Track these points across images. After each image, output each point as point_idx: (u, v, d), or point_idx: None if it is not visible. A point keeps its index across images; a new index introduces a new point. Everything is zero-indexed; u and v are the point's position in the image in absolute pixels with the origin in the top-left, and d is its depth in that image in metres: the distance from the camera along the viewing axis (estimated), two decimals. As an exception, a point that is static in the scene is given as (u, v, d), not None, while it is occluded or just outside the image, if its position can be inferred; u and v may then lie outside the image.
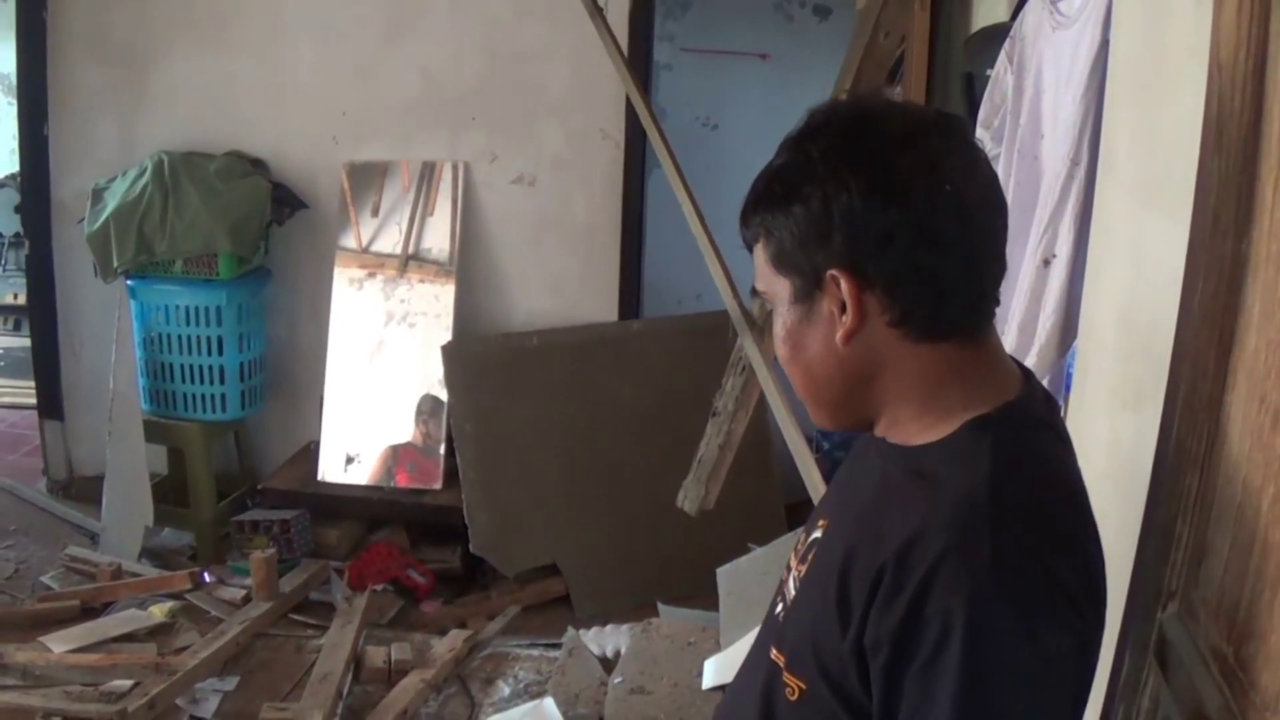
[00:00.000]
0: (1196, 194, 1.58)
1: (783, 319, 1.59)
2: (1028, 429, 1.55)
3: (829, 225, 1.50)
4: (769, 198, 1.56)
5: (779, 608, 1.74)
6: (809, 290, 1.55)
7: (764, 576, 4.33)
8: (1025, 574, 1.39)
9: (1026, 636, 1.36)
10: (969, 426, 1.52)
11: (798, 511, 5.33)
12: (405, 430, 5.70)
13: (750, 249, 1.62)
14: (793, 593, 1.70)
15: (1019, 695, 1.37)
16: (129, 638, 4.51)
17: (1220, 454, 1.46)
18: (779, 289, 1.58)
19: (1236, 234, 1.45)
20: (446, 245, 5.75)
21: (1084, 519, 1.49)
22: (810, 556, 1.69)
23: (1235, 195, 1.45)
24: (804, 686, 1.55)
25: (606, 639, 4.72)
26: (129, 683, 4.05)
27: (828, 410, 1.64)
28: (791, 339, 1.59)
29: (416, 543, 5.70)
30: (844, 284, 1.51)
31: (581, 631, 4.77)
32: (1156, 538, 1.59)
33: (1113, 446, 1.70)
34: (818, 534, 1.71)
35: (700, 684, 4.10)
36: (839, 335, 1.53)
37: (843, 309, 1.52)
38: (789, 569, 1.79)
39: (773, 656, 1.64)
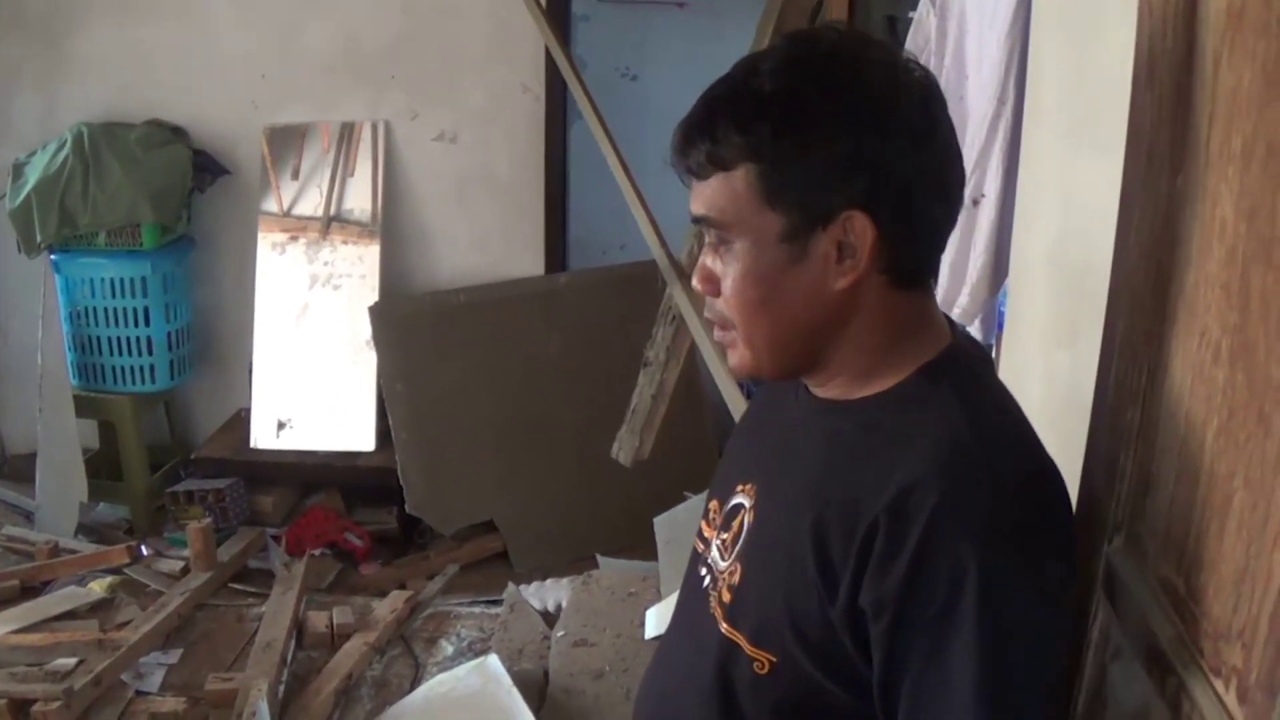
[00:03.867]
0: (1130, 132, 1.59)
1: (751, 257, 1.49)
2: (974, 368, 1.58)
3: (856, 166, 1.44)
4: (774, 125, 1.45)
5: (709, 580, 1.71)
6: (809, 230, 1.47)
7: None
8: (1024, 510, 1.42)
9: (1035, 570, 1.40)
10: (921, 373, 1.52)
11: (731, 458, 5.35)
12: (334, 393, 5.68)
13: (703, 172, 1.50)
14: (725, 564, 1.67)
15: (1035, 628, 1.41)
16: (70, 615, 4.48)
17: (1162, 388, 1.48)
18: (757, 224, 1.48)
19: (1171, 170, 1.46)
20: (368, 206, 5.72)
21: (1042, 446, 1.52)
22: (739, 524, 1.67)
23: (1169, 132, 1.46)
24: (774, 659, 1.54)
25: (547, 593, 4.74)
26: (73, 660, 4.02)
27: (781, 358, 1.57)
28: (764, 280, 1.50)
29: (351, 505, 5.69)
30: (862, 227, 1.46)
31: (522, 587, 4.78)
32: (1100, 472, 1.62)
33: (1048, 383, 1.73)
34: (741, 500, 1.69)
35: (643, 634, 4.12)
36: (843, 281, 1.48)
37: (844, 252, 1.47)
38: (704, 538, 1.77)
39: (725, 633, 1.61)
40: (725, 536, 1.69)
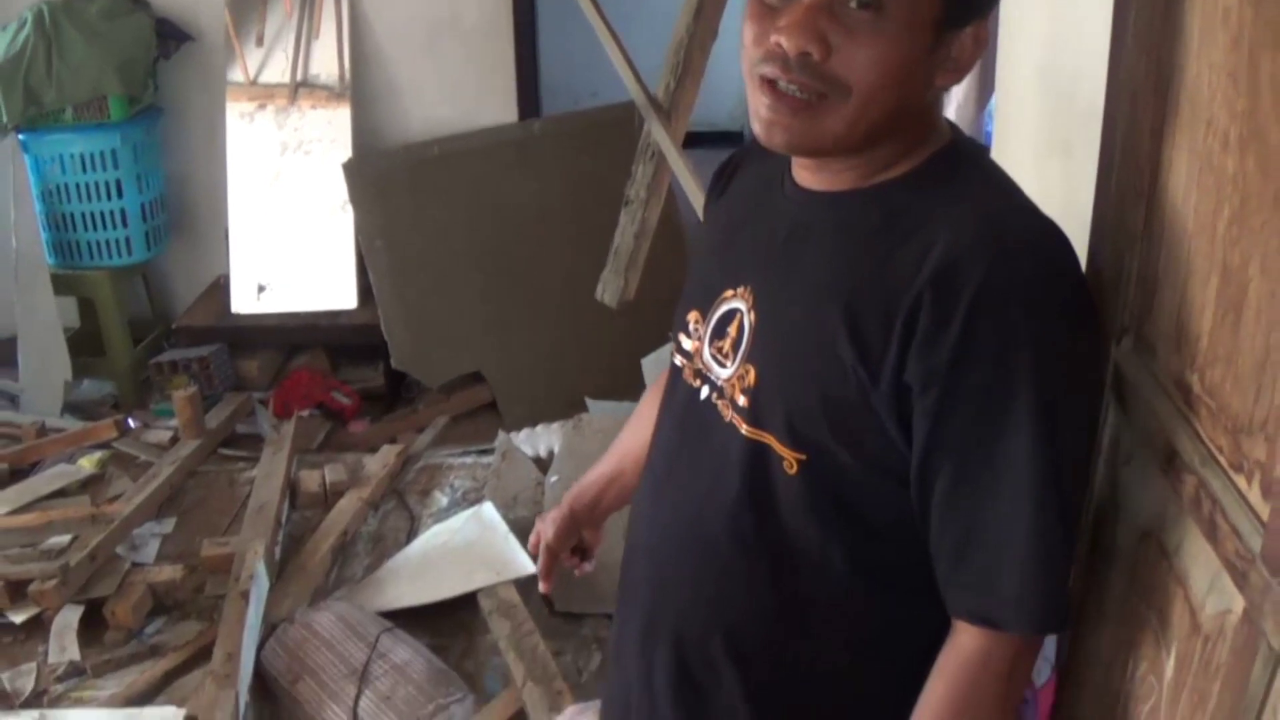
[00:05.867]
0: (1123, -72, 1.56)
1: (902, 34, 1.45)
2: (980, 153, 1.64)
3: None
4: None
5: (710, 391, 1.71)
6: (954, 26, 1.48)
7: (690, 363, 4.35)
8: (1062, 274, 1.47)
9: (1079, 330, 1.47)
10: (937, 157, 1.56)
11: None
12: (313, 254, 5.64)
13: None
14: (729, 370, 1.66)
15: (1081, 387, 1.48)
16: (61, 493, 4.48)
17: (1166, 185, 1.46)
18: (918, 5, 1.44)
19: (1168, -38, 1.43)
20: (335, 68, 5.64)
21: None
22: (736, 328, 1.66)
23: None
24: (804, 456, 1.55)
25: (538, 439, 4.75)
26: (67, 537, 4.02)
27: (868, 135, 1.52)
28: (904, 60, 1.46)
29: (337, 365, 5.69)
30: (981, 36, 1.53)
31: (513, 434, 4.78)
32: (1105, 276, 1.60)
33: (1042, 195, 1.70)
34: (735, 305, 1.68)
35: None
36: (945, 79, 1.53)
37: (954, 52, 1.51)
38: (686, 351, 1.78)
39: (749, 435, 1.60)
40: (721, 343, 1.69)
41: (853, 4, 1.43)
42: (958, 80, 1.56)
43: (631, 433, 2.19)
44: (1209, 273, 1.33)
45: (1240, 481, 1.25)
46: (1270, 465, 1.18)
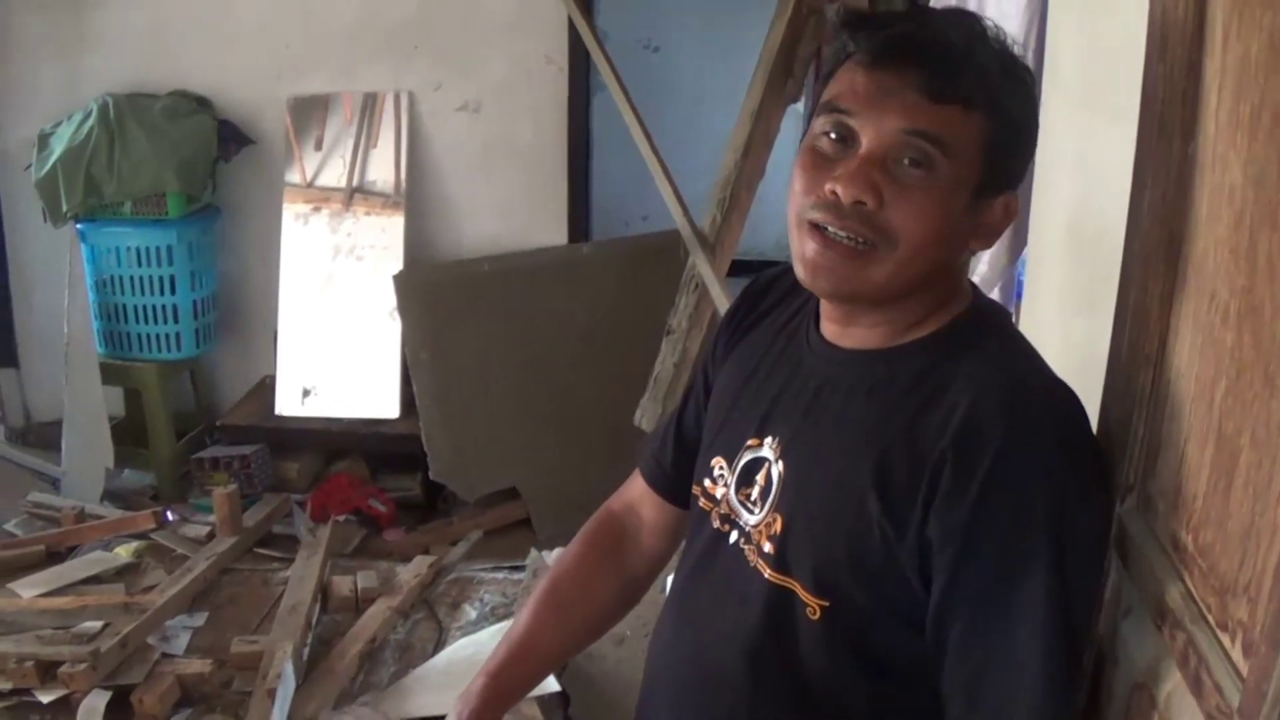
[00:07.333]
0: (1142, 101, 1.62)
1: (948, 192, 1.55)
2: (1001, 316, 1.73)
3: (1031, 155, 1.67)
4: (1014, 84, 1.60)
5: (738, 536, 1.75)
6: (990, 194, 1.59)
7: (720, 491, 4.38)
8: (1076, 437, 1.55)
9: (1092, 490, 1.53)
10: (960, 320, 1.65)
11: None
12: (359, 361, 5.71)
13: (942, 95, 1.53)
14: (757, 517, 1.71)
15: (1092, 546, 1.53)
16: (96, 579, 4.50)
17: (1173, 351, 1.51)
18: (965, 167, 1.55)
19: (1183, 138, 1.48)
20: (391, 177, 5.75)
21: None
22: (765, 477, 1.72)
23: (1180, 101, 1.49)
24: (827, 603, 1.60)
25: (570, 559, 4.75)
26: (99, 623, 4.03)
27: (906, 287, 1.60)
28: (948, 216, 1.56)
29: (376, 472, 5.74)
30: (1014, 208, 1.65)
31: (545, 552, 4.80)
32: (1113, 434, 1.64)
33: (1065, 351, 1.76)
34: (762, 454, 1.73)
35: (662, 598, 4.15)
36: (977, 245, 1.65)
37: (985, 220, 1.62)
38: (713, 497, 1.82)
39: (773, 580, 1.66)
40: (748, 490, 1.73)
41: (905, 161, 1.53)
42: (987, 245, 1.66)
43: (526, 628, 2.13)
44: (1206, 438, 1.38)
45: (1225, 640, 1.29)
46: (1251, 626, 1.22)
